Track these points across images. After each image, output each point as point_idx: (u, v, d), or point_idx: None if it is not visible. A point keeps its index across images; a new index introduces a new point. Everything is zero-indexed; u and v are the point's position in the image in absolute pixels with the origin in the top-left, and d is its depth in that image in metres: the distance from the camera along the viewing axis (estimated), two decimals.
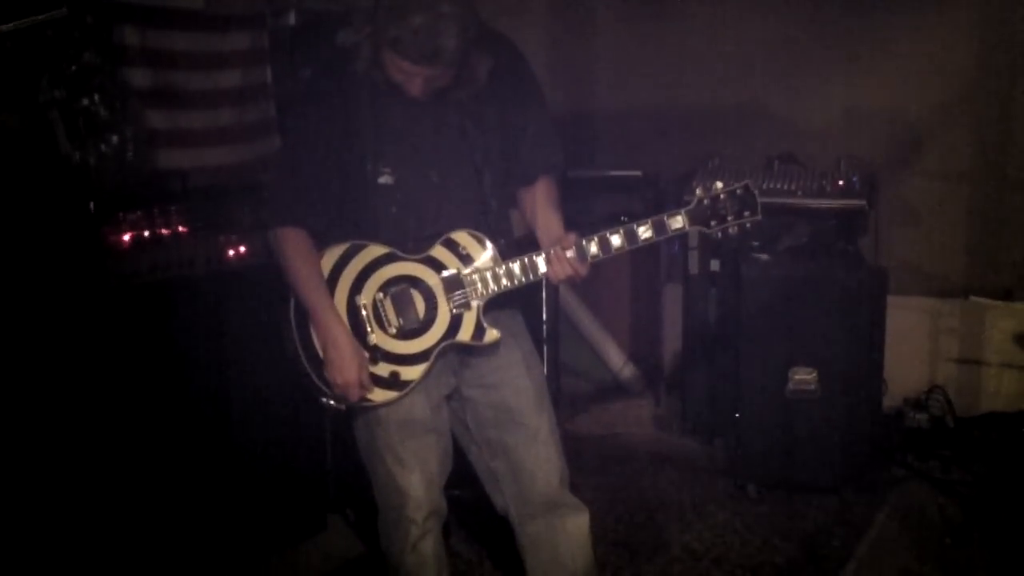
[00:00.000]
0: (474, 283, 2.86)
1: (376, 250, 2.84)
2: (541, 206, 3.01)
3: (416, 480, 2.94)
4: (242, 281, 3.60)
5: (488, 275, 2.86)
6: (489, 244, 2.87)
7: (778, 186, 4.87)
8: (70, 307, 3.12)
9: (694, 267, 5.17)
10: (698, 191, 2.90)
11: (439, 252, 2.86)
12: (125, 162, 3.29)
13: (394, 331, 2.85)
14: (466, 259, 2.87)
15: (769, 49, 5.61)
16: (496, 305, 2.92)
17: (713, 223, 2.90)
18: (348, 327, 2.82)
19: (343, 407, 2.86)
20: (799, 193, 4.87)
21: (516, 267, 2.86)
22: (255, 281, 3.58)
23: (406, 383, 2.85)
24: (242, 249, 3.60)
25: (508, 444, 3.01)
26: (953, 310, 5.37)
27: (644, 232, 2.86)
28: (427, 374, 2.87)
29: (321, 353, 2.82)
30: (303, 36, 4.85)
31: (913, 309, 5.28)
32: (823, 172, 4.94)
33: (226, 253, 3.56)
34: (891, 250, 5.16)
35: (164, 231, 3.35)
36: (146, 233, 3.29)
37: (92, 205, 3.12)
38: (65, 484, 3.17)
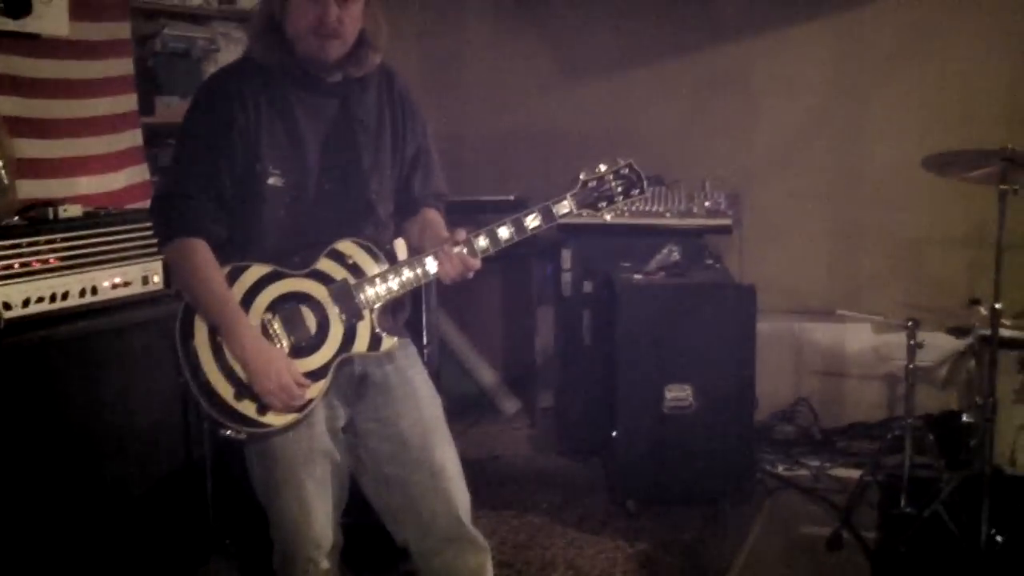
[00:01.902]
0: (364, 292, 2.80)
1: (259, 269, 2.76)
2: (428, 224, 2.99)
3: (314, 516, 2.87)
4: (117, 313, 3.53)
5: (378, 281, 2.80)
6: (376, 251, 2.83)
7: (648, 207, 5.00)
8: None
9: (567, 289, 5.24)
10: (582, 175, 2.86)
11: (325, 264, 2.80)
12: None
13: (286, 351, 2.76)
14: (354, 268, 2.81)
15: (636, 73, 5.76)
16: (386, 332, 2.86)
17: (602, 204, 2.87)
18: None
19: (243, 436, 2.77)
20: (667, 214, 5.01)
21: (406, 270, 2.81)
22: (131, 312, 3.54)
23: (306, 403, 2.77)
24: (117, 280, 3.53)
25: (406, 480, 2.93)
26: (816, 325, 5.54)
27: (532, 221, 2.82)
28: (327, 392, 2.80)
29: (239, 370, 2.71)
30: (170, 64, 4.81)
31: (778, 324, 5.44)
32: (690, 193, 5.08)
33: (100, 284, 3.48)
34: (756, 268, 5.30)
35: (36, 263, 3.26)
36: (16, 266, 3.20)
37: None
38: None
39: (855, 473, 4.76)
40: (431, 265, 2.80)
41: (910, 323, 4.28)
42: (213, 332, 2.74)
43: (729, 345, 4.61)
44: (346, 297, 2.79)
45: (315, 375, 2.78)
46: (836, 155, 5.61)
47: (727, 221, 5.05)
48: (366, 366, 2.91)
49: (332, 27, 2.73)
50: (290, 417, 2.77)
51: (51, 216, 3.41)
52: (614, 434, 4.71)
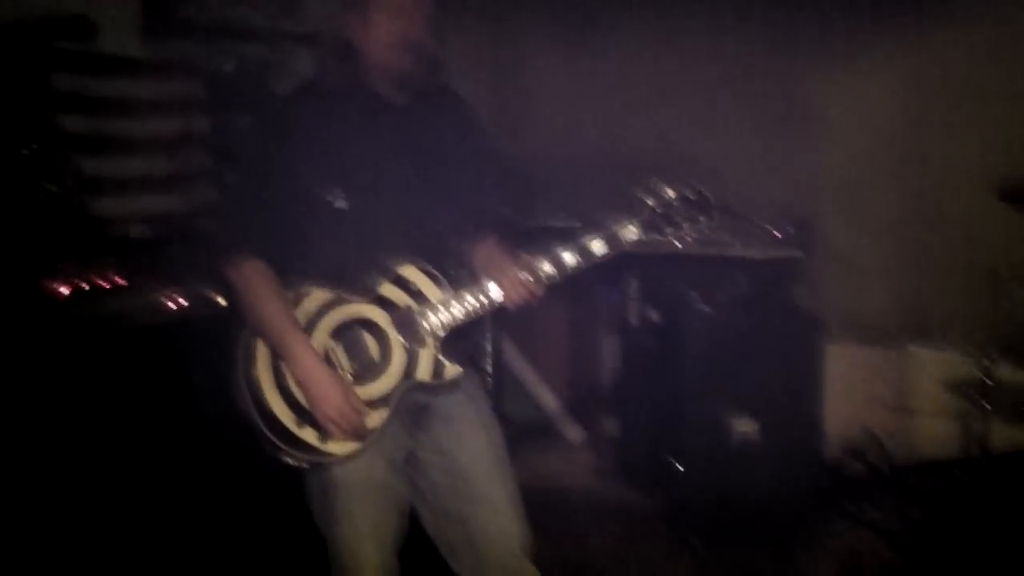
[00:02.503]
0: (427, 319, 2.76)
1: (322, 295, 2.75)
2: (491, 250, 2.93)
3: (371, 548, 2.83)
4: (181, 333, 3.51)
5: (441, 309, 2.76)
6: (439, 277, 2.79)
7: (715, 236, 4.91)
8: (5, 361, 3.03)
9: (632, 317, 5.17)
10: (649, 201, 2.83)
11: (388, 290, 2.77)
12: (61, 211, 3.19)
13: (350, 378, 2.73)
14: (417, 295, 2.77)
15: (707, 99, 5.66)
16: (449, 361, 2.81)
17: (668, 230, 2.84)
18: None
19: (305, 464, 2.74)
20: (736, 244, 4.91)
21: (469, 296, 2.77)
22: (194, 333, 3.52)
23: (369, 431, 2.73)
24: (181, 300, 3.52)
25: (466, 514, 2.89)
26: (888, 358, 5.40)
27: (598, 247, 2.79)
28: (389, 421, 2.76)
29: (300, 397, 2.69)
30: (238, 84, 4.82)
31: (848, 358, 5.31)
32: (759, 222, 4.98)
33: (165, 304, 3.47)
34: (827, 298, 5.20)
35: (102, 282, 3.26)
36: (84, 285, 3.20)
37: (29, 256, 3.02)
38: None
39: (927, 512, 4.63)
40: (495, 292, 2.77)
41: (984, 359, 4.16)
42: (274, 357, 2.71)
43: (797, 378, 4.49)
44: (409, 324, 2.76)
45: (377, 404, 2.75)
46: (908, 183, 5.46)
47: (796, 252, 4.94)
48: (428, 396, 2.87)
49: (414, 39, 2.74)
50: (352, 446, 2.73)
51: (118, 236, 3.42)
52: (678, 466, 4.61)
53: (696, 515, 4.57)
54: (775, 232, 4.96)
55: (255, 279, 2.73)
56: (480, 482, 2.89)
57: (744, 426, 4.46)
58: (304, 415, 2.70)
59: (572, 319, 5.95)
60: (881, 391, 5.41)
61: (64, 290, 3.13)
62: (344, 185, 2.75)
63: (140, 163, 4.21)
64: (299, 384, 2.69)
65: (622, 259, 4.76)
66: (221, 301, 3.61)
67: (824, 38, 5.50)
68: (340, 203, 2.74)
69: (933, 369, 5.28)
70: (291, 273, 2.76)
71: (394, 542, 2.90)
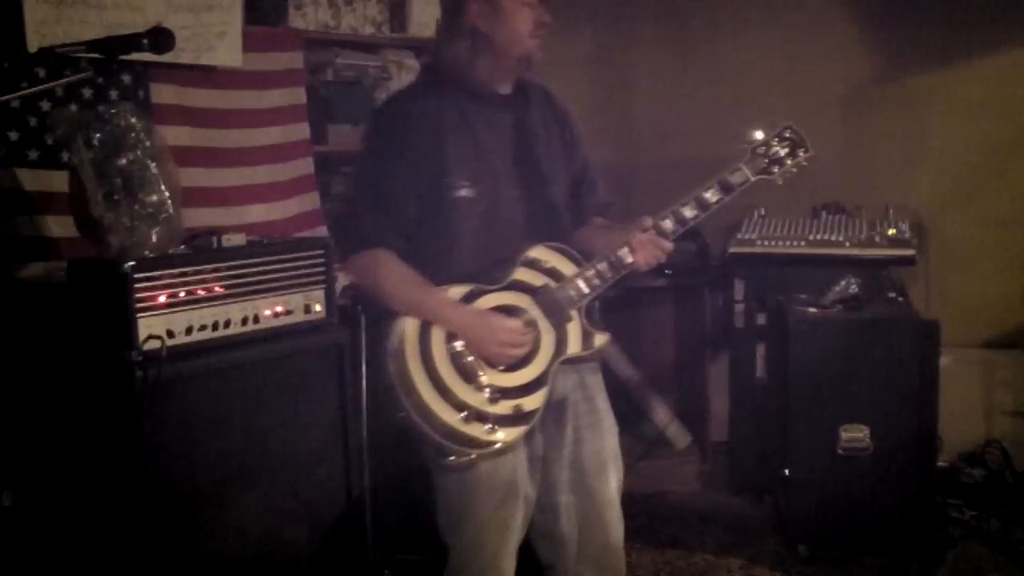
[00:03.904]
0: (567, 294, 2.84)
1: (460, 289, 2.84)
2: (600, 230, 3.04)
3: (502, 553, 2.89)
4: (277, 341, 3.53)
5: (579, 282, 2.84)
6: (570, 251, 2.87)
7: (825, 236, 4.76)
8: (104, 373, 3.07)
9: (740, 321, 5.07)
10: (748, 144, 2.95)
11: (523, 274, 2.85)
12: (160, 222, 3.24)
13: (500, 366, 2.81)
14: (552, 272, 2.86)
15: (810, 97, 5.53)
16: (575, 362, 2.92)
17: (774, 169, 2.93)
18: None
19: (470, 456, 2.77)
20: (847, 243, 4.75)
21: (603, 266, 2.84)
22: (292, 341, 3.54)
23: (531, 414, 2.81)
24: (279, 308, 3.54)
25: (578, 508, 3.00)
26: (1007, 361, 5.23)
27: (712, 196, 2.88)
28: (549, 399, 2.83)
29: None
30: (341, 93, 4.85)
31: (966, 361, 5.15)
32: (871, 221, 4.83)
33: (262, 312, 3.49)
34: (942, 300, 5.04)
35: (200, 291, 3.29)
36: (182, 294, 3.23)
37: (126, 266, 3.06)
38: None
39: None
40: (626, 255, 2.83)
41: None
42: (427, 360, 2.79)
43: (910, 383, 4.33)
44: (551, 302, 2.84)
45: (534, 386, 2.83)
46: (1017, 180, 5.28)
47: (911, 251, 4.75)
48: (567, 391, 2.97)
49: (543, 24, 2.83)
50: (519, 430, 2.79)
51: (214, 245, 3.44)
52: (786, 473, 4.50)
53: (804, 523, 4.44)
54: (889, 230, 4.80)
55: (381, 265, 2.83)
56: (594, 476, 3.00)
57: (854, 432, 4.33)
58: (469, 412, 2.77)
59: (679, 322, 5.86)
60: (1001, 395, 5.22)
61: (161, 299, 3.15)
62: (467, 174, 2.82)
63: (239, 173, 4.26)
64: (457, 332, 2.79)
65: (729, 261, 4.72)
66: (319, 308, 3.62)
67: (943, 35, 5.35)
68: (466, 192, 2.82)
69: None
70: (428, 270, 2.84)
71: (518, 545, 2.97)
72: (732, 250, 4.71)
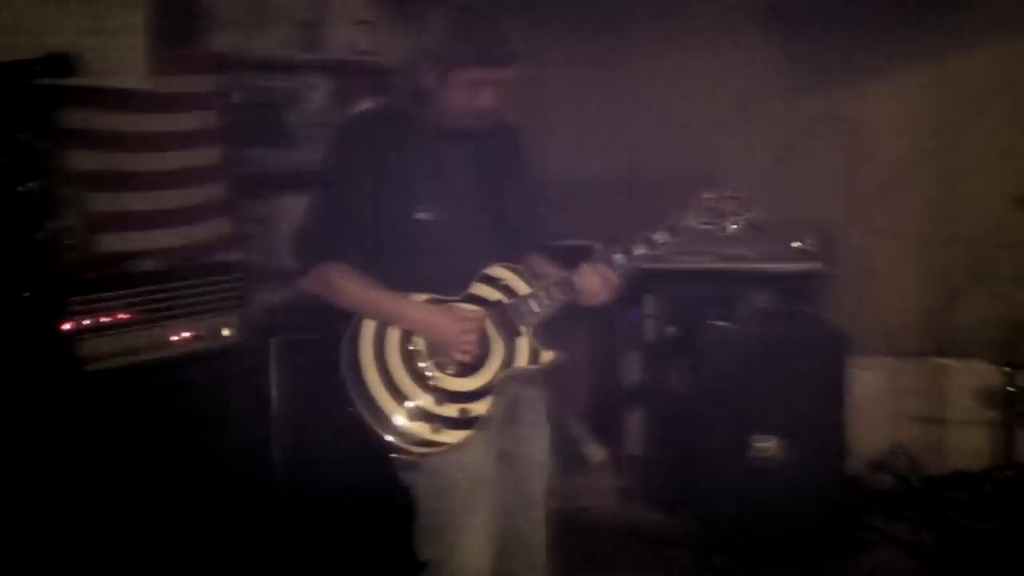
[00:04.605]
0: (519, 310, 2.99)
1: (418, 298, 2.97)
2: (540, 265, 3.21)
3: (477, 550, 2.96)
4: (191, 367, 3.52)
5: (531, 301, 3.00)
6: (525, 272, 3.05)
7: (735, 251, 4.86)
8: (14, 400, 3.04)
9: (651, 335, 5.14)
10: (699, 197, 3.12)
11: (479, 289, 3.01)
12: (68, 247, 3.22)
13: (452, 370, 2.92)
14: (507, 290, 3.02)
15: (721, 112, 5.63)
16: (523, 383, 3.08)
17: (719, 221, 3.11)
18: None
19: (415, 453, 2.87)
20: (755, 257, 4.86)
21: (555, 288, 3.02)
22: (204, 367, 3.53)
23: (475, 419, 2.92)
24: (190, 334, 3.52)
25: (510, 507, 3.10)
26: (913, 369, 5.34)
27: (660, 238, 3.07)
28: (494, 408, 2.95)
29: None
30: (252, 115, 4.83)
31: (874, 369, 5.25)
32: (779, 235, 4.92)
33: (174, 339, 3.48)
34: (851, 310, 5.14)
35: (107, 318, 3.27)
36: (87, 321, 3.21)
37: (39, 293, 3.04)
38: None
39: (957, 525, 4.56)
40: (577, 280, 3.01)
41: (1007, 368, 4.10)
42: (380, 359, 2.89)
43: (819, 393, 4.44)
44: (504, 316, 2.99)
45: (481, 393, 2.95)
46: (932, 194, 5.41)
47: (818, 264, 4.88)
48: (519, 392, 3.11)
49: (491, 113, 2.96)
50: (464, 433, 2.90)
51: (125, 271, 3.42)
52: (699, 485, 4.56)
53: (720, 534, 4.51)
54: (798, 244, 4.90)
55: (336, 277, 2.94)
56: (528, 477, 3.17)
57: (765, 442, 4.41)
58: (414, 409, 2.88)
59: (591, 337, 5.90)
60: (909, 403, 5.34)
61: (70, 327, 3.13)
62: (427, 197, 2.96)
63: (149, 197, 4.22)
64: (419, 327, 2.92)
65: (640, 276, 4.78)
66: (228, 332, 3.62)
67: (850, 52, 5.47)
68: (424, 215, 2.95)
69: (961, 379, 5.22)
70: (388, 282, 2.95)
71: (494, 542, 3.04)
72: (643, 265, 4.75)
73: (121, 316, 3.34)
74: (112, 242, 3.93)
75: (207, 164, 4.50)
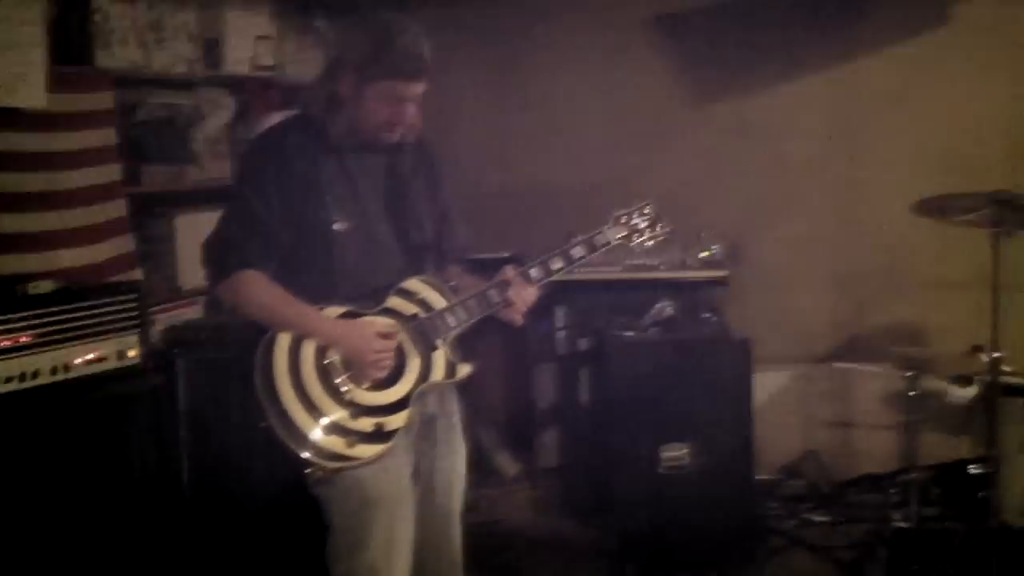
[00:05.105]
0: (435, 324, 2.98)
1: (335, 310, 2.93)
2: (464, 273, 3.22)
3: (390, 567, 2.94)
4: (91, 389, 3.45)
5: (447, 314, 2.99)
6: (442, 286, 3.04)
7: (641, 261, 4.90)
8: None
9: (562, 347, 5.15)
10: (613, 215, 3.18)
11: (395, 302, 2.98)
12: None
13: (368, 384, 2.89)
14: (422, 303, 3.00)
15: (625, 122, 5.68)
16: (439, 397, 3.10)
17: (635, 237, 3.19)
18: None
19: (329, 468, 2.83)
20: (662, 267, 4.91)
21: (472, 302, 3.02)
22: (106, 388, 3.47)
23: (391, 433, 2.88)
24: (91, 356, 3.46)
25: (425, 521, 3.08)
26: (821, 375, 5.42)
27: (577, 252, 3.11)
28: (410, 421, 2.93)
29: (322, 404, 2.84)
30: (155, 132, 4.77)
31: (782, 376, 5.33)
32: (685, 244, 4.98)
33: (73, 361, 3.41)
34: (758, 317, 5.19)
35: (7, 341, 3.20)
36: None
37: None
38: None
39: (865, 528, 4.63)
40: (493, 294, 3.03)
41: (910, 373, 4.18)
42: (295, 372, 2.85)
43: (726, 400, 4.48)
44: (419, 330, 2.98)
45: (397, 407, 2.92)
46: (834, 201, 5.51)
47: (723, 272, 4.95)
48: (435, 406, 3.11)
49: (406, 125, 2.97)
50: (378, 447, 2.86)
51: (22, 293, 3.35)
52: (612, 496, 4.58)
53: (632, 543, 4.53)
54: (702, 253, 4.95)
55: (250, 285, 2.89)
56: (444, 494, 3.16)
57: (674, 451, 4.44)
58: (329, 425, 2.83)
59: (504, 350, 5.91)
60: (818, 408, 5.41)
61: None
62: (341, 210, 2.94)
63: (48, 217, 4.13)
64: (334, 343, 2.88)
65: (550, 289, 4.79)
66: (133, 353, 3.56)
67: (746, 59, 5.54)
68: (340, 226, 2.93)
69: (867, 384, 5.29)
70: (304, 294, 2.91)
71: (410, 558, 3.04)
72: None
73: (22, 339, 3.26)
74: (10, 263, 3.85)
75: (106, 182, 4.42)
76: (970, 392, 4.38)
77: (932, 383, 4.46)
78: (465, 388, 3.10)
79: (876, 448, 5.26)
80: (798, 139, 5.53)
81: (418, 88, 2.93)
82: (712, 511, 4.46)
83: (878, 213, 5.40)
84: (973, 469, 4.23)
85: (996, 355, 3.73)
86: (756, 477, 4.72)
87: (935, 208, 4.03)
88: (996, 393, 3.78)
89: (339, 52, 2.98)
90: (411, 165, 3.12)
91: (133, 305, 3.59)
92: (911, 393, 4.30)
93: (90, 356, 3.46)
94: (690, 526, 4.47)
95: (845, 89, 5.46)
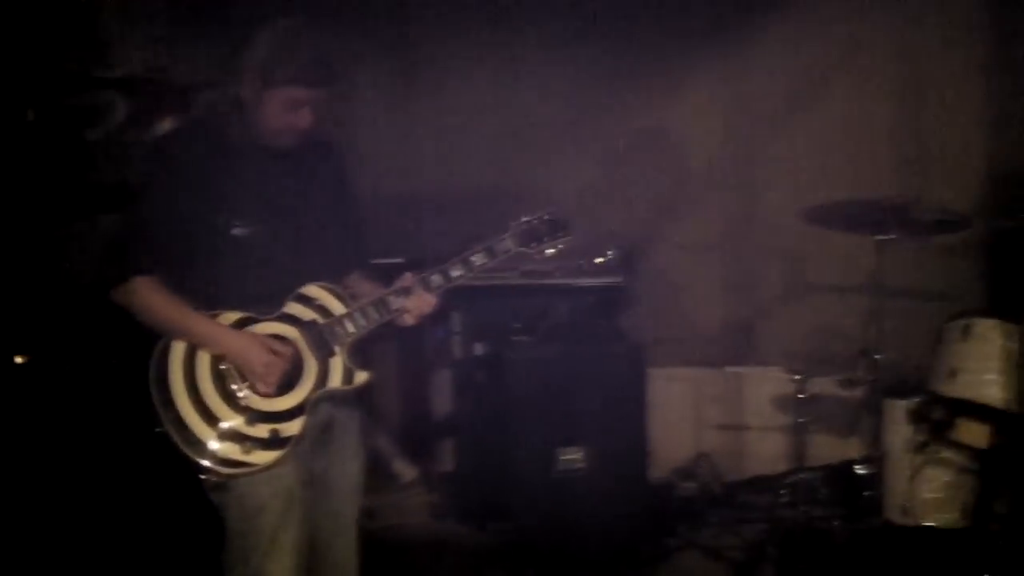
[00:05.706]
0: (334, 330, 2.97)
1: (231, 316, 2.92)
2: (364, 280, 3.21)
3: (285, 573, 2.93)
4: None
5: (346, 321, 2.98)
6: (341, 292, 3.02)
7: (539, 267, 4.92)
8: None
9: (458, 352, 5.17)
10: (514, 221, 3.17)
11: (293, 308, 2.97)
12: None
13: (266, 388, 2.88)
14: (321, 309, 2.98)
15: (527, 129, 5.70)
16: (336, 403, 3.05)
17: (534, 244, 3.17)
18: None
19: (223, 473, 2.82)
20: (557, 273, 4.93)
21: (371, 309, 3.01)
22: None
23: (287, 440, 2.88)
24: None
25: (318, 525, 3.07)
26: (714, 378, 5.51)
27: (478, 260, 3.10)
28: (305, 429, 2.91)
29: (219, 412, 2.84)
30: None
31: (675, 380, 5.40)
32: (580, 250, 5.01)
33: None
34: (654, 322, 5.26)
35: None
36: None
37: None
38: None
39: (756, 528, 4.72)
40: (392, 301, 3.03)
41: (798, 376, 4.27)
42: (190, 378, 2.84)
43: (620, 404, 4.54)
44: (317, 336, 2.96)
45: (293, 413, 2.91)
46: (727, 206, 5.62)
47: (618, 278, 4.99)
48: (333, 412, 3.07)
49: (306, 130, 2.94)
50: (274, 454, 2.85)
51: None
52: (509, 500, 4.60)
53: (529, 548, 4.55)
54: (597, 259, 5.00)
55: (147, 291, 2.86)
56: (338, 500, 3.14)
57: (570, 455, 4.48)
58: (224, 431, 2.83)
59: (400, 355, 5.90)
60: (709, 410, 5.50)
61: None
62: (242, 214, 2.91)
63: None
64: (225, 353, 2.86)
65: (446, 294, 4.79)
66: (19, 361, 3.50)
67: (643, 65, 5.60)
68: (239, 231, 2.90)
69: (757, 387, 5.40)
70: (202, 299, 2.90)
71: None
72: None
73: None
74: None
75: None
76: (856, 394, 4.49)
77: (821, 385, 4.56)
78: (362, 393, 3.10)
79: (767, 450, 5.38)
80: (696, 146, 5.62)
81: (322, 95, 2.91)
82: (607, 513, 4.51)
83: (770, 218, 5.51)
84: (859, 469, 4.34)
85: (878, 357, 3.83)
86: (650, 479, 4.77)
87: (822, 216, 4.12)
88: (879, 395, 3.88)
89: (241, 56, 2.93)
90: (317, 168, 3.11)
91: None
92: (800, 396, 4.39)
93: None
94: (586, 528, 4.51)
95: (742, 99, 5.57)
